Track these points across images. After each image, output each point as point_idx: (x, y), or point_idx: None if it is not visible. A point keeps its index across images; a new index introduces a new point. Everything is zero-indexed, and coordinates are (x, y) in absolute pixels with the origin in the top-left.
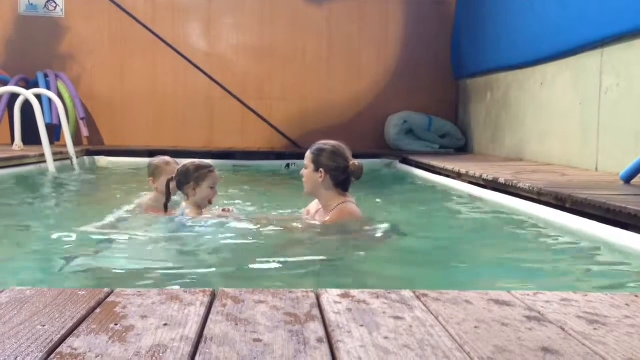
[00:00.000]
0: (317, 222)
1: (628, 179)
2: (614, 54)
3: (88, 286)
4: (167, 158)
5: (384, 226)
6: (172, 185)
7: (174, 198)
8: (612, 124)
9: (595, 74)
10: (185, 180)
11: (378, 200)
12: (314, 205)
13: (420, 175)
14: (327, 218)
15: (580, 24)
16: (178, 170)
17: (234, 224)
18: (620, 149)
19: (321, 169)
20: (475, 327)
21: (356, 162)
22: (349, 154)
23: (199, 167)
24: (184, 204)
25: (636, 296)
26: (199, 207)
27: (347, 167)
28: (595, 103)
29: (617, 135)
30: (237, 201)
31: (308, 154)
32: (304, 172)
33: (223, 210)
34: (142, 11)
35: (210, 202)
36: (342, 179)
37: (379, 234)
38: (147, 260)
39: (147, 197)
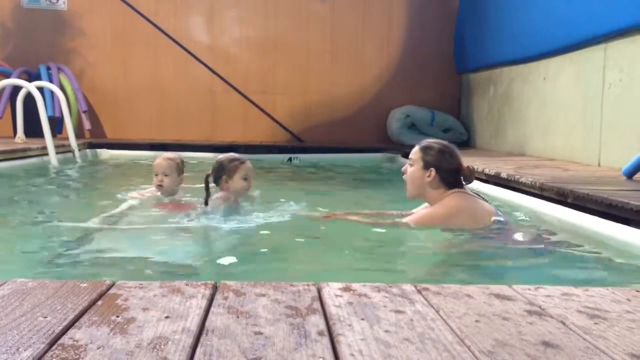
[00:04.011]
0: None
1: (630, 174)
2: (617, 49)
3: (90, 278)
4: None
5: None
6: (210, 180)
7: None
8: (615, 119)
9: (599, 69)
10: (219, 174)
11: (379, 195)
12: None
13: None
14: (432, 206)
15: (584, 18)
16: (213, 165)
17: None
18: (623, 144)
19: (432, 168)
20: (476, 321)
21: (470, 165)
22: (459, 155)
23: (231, 160)
24: (215, 194)
25: (637, 291)
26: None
27: (459, 169)
28: (598, 98)
29: (620, 130)
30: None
31: (416, 150)
32: (407, 169)
33: None
34: (144, 4)
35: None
36: (451, 180)
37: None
38: (149, 253)
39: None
